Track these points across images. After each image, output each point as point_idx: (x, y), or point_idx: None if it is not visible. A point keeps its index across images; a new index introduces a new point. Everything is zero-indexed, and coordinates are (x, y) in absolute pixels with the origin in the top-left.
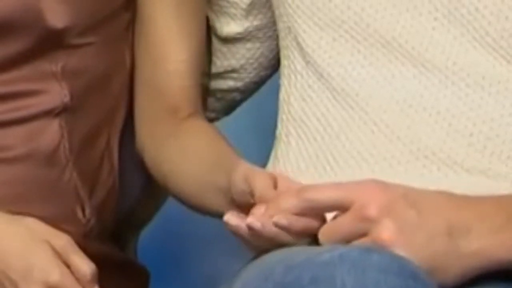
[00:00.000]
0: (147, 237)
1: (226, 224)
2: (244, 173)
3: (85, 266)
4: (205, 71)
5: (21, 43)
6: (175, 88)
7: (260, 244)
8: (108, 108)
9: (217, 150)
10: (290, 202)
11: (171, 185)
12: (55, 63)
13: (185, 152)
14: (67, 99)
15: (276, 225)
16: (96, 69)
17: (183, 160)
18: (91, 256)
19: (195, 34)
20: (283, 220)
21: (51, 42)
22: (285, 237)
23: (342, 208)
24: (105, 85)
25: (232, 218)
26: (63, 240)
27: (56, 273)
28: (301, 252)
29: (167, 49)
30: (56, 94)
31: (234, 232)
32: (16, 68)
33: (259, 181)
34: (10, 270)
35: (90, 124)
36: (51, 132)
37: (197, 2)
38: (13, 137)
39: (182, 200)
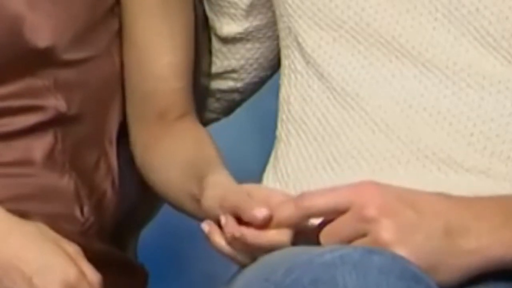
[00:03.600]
0: (147, 237)
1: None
2: (219, 201)
3: (94, 276)
4: (205, 71)
5: (5, 61)
6: (163, 91)
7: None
8: (104, 112)
9: (196, 155)
10: (288, 212)
11: (158, 191)
12: (46, 79)
13: (168, 158)
14: (64, 109)
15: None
16: (91, 77)
17: (167, 167)
18: (90, 255)
19: (181, 34)
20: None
21: (37, 60)
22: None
23: (340, 212)
24: (101, 91)
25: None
26: (73, 248)
27: (74, 272)
28: (302, 253)
29: (152, 51)
30: (52, 106)
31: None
32: (4, 85)
33: (240, 203)
34: (24, 265)
35: (85, 127)
36: (46, 138)
37: (182, 1)
38: (12, 146)
39: (171, 206)
